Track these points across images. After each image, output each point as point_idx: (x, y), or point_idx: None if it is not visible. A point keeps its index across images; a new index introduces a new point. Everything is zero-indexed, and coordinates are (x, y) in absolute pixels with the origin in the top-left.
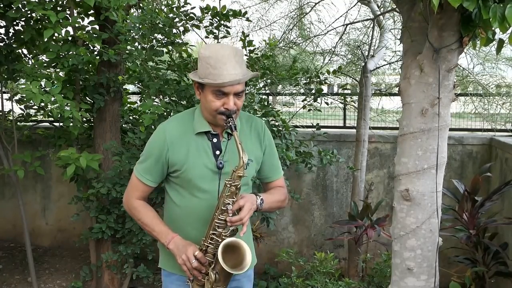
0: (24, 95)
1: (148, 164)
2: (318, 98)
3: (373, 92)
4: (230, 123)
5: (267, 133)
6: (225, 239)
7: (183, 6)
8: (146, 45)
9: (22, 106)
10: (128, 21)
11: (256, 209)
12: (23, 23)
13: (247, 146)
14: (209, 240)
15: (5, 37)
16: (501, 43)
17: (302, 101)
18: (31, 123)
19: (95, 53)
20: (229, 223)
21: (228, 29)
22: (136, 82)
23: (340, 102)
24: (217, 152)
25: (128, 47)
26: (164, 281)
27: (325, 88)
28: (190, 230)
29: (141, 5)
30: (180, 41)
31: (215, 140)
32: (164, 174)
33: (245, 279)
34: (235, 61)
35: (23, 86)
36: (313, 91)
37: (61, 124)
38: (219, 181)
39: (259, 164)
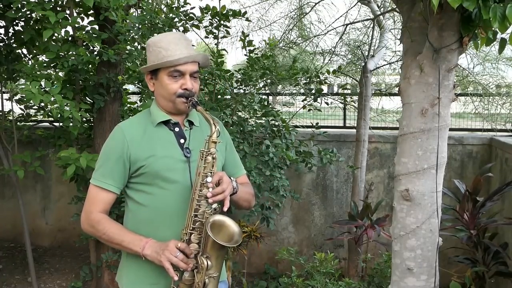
0: (24, 95)
1: (108, 168)
2: (318, 98)
3: (373, 92)
4: (192, 101)
5: (225, 130)
6: (209, 217)
7: (182, 6)
8: (146, 45)
9: (22, 106)
10: (127, 21)
11: (233, 190)
12: (22, 23)
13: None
14: (191, 226)
15: (5, 37)
16: (503, 42)
17: (302, 101)
18: (31, 123)
19: (95, 53)
20: (211, 197)
21: (228, 29)
22: (136, 82)
23: (340, 102)
24: (182, 141)
25: (128, 47)
26: None
27: (325, 88)
28: (164, 230)
29: (140, 5)
30: None
31: (177, 129)
32: (126, 177)
33: None
34: (186, 43)
35: (23, 86)
36: (313, 91)
37: (61, 124)
38: (189, 169)
39: (224, 158)
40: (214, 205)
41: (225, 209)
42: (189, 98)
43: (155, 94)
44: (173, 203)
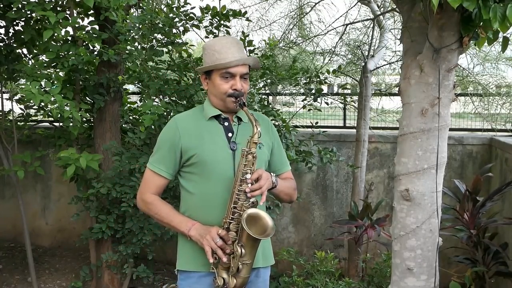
0: (24, 95)
1: (161, 155)
2: (318, 98)
3: (373, 92)
4: (240, 101)
5: (274, 128)
6: (246, 210)
7: (183, 6)
8: (146, 45)
9: (22, 106)
10: (128, 21)
11: (272, 185)
12: (22, 23)
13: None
14: (230, 216)
15: (5, 37)
16: (505, 41)
17: (302, 101)
18: (31, 123)
19: (95, 53)
20: (249, 192)
21: (228, 29)
22: (136, 82)
23: (340, 102)
24: (230, 135)
25: (128, 47)
26: (181, 285)
27: (325, 88)
28: (208, 217)
29: (141, 5)
30: (180, 41)
31: (226, 123)
32: (177, 165)
33: (262, 284)
34: (238, 47)
35: (23, 86)
36: (313, 91)
37: (61, 124)
38: (233, 162)
39: (269, 153)
40: (252, 199)
41: (261, 203)
42: (238, 98)
43: (208, 92)
44: (217, 192)
